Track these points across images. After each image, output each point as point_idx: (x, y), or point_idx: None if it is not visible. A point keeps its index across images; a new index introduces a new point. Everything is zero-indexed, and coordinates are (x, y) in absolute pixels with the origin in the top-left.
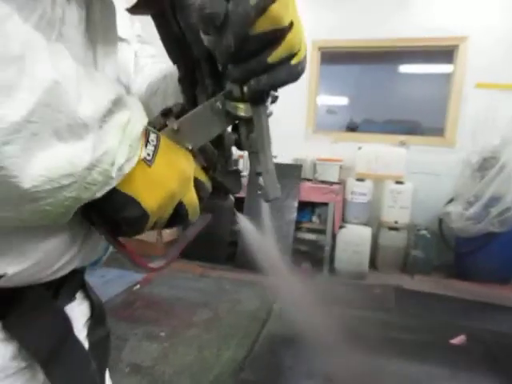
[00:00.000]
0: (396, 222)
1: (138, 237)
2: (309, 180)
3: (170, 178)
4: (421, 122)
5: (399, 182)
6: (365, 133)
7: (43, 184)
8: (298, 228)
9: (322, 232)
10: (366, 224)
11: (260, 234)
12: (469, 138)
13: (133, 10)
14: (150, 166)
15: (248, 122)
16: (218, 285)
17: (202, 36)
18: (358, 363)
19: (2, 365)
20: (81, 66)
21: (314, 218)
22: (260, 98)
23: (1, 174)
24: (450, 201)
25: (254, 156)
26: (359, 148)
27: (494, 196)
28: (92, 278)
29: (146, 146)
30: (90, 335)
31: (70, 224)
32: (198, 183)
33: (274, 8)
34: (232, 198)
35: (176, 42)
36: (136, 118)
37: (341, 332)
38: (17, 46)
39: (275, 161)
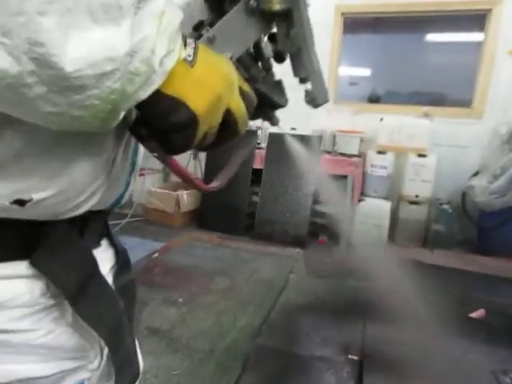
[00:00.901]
0: (417, 196)
1: (158, 207)
2: (328, 152)
3: (215, 79)
4: (447, 94)
5: (422, 155)
6: (387, 104)
7: (85, 68)
8: (315, 201)
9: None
10: (385, 198)
11: (308, 155)
12: (498, 109)
13: None
14: (192, 65)
15: (286, 16)
16: (236, 254)
17: None
18: (374, 333)
19: (31, 301)
20: None
21: None
22: None
23: (41, 52)
24: (475, 174)
25: (297, 58)
26: (381, 119)
27: None
28: None
29: (185, 48)
30: (115, 281)
31: (96, 153)
32: (242, 93)
33: None
34: (278, 117)
35: None
36: (171, 12)
37: (356, 303)
38: None
39: (294, 132)
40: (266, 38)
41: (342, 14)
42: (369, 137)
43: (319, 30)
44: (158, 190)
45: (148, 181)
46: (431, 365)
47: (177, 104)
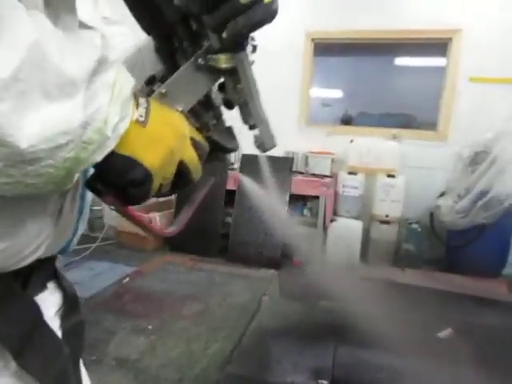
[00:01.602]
0: (387, 216)
1: (130, 230)
2: (300, 173)
3: (167, 135)
4: (416, 116)
5: (391, 176)
6: (358, 126)
7: (40, 143)
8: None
9: (313, 225)
10: (357, 218)
11: (263, 191)
12: (461, 132)
13: None
14: (144, 126)
15: (232, 73)
16: (209, 278)
17: None
18: (345, 356)
19: None
20: (58, 29)
21: (306, 212)
22: (240, 43)
23: None
24: (442, 194)
25: (245, 108)
26: (351, 141)
27: (484, 190)
28: (82, 271)
29: (137, 108)
30: (62, 323)
31: (40, 208)
32: (194, 143)
33: None
34: (230, 158)
35: (146, 10)
36: (123, 79)
37: (328, 325)
38: None
39: (266, 154)
40: (215, 88)
41: (312, 39)
42: (340, 158)
43: (290, 54)
44: None
45: None
46: None
47: (132, 163)
